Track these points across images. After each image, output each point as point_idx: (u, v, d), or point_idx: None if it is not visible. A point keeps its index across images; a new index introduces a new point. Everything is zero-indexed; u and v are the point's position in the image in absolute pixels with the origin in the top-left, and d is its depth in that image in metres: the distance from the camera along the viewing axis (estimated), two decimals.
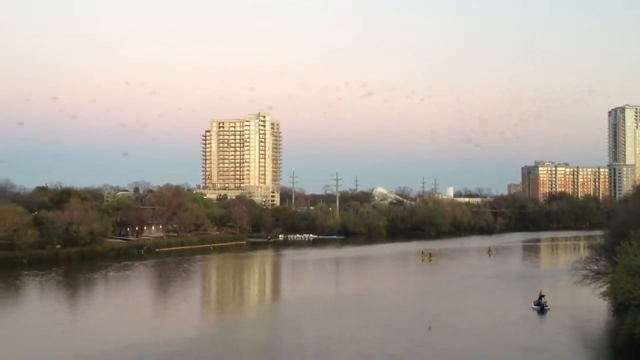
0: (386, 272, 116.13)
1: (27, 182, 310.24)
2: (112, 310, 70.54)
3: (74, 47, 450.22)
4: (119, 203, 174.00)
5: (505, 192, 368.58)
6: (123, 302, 77.05)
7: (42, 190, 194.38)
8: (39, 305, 75.50)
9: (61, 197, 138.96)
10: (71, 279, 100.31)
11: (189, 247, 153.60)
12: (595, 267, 63.60)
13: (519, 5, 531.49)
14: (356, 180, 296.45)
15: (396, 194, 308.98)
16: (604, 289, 57.37)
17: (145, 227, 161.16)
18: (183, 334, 55.47)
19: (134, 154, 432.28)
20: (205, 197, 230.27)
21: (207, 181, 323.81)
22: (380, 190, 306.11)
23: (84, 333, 57.08)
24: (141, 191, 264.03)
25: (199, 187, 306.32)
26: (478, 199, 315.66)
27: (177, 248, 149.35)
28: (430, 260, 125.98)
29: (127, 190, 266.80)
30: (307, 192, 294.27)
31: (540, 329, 59.71)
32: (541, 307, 66.15)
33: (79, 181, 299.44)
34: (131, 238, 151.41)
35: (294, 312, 67.68)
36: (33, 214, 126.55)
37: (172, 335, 55.01)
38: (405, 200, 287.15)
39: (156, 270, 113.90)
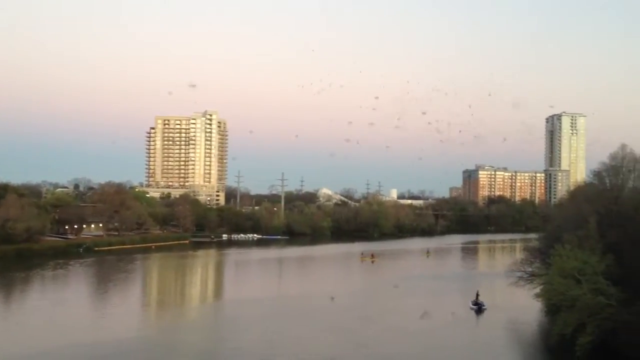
0: (329, 273, 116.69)
1: None
2: (48, 310, 68.58)
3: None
4: (57, 200, 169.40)
5: (447, 195, 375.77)
6: (59, 302, 74.79)
7: None
8: None
9: None
10: (6, 278, 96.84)
11: (130, 246, 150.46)
12: (530, 269, 65.39)
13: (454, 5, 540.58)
14: (302, 181, 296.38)
15: (341, 195, 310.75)
16: (538, 290, 59.32)
17: (85, 226, 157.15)
18: (121, 335, 54.54)
19: (74, 150, 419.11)
20: (148, 196, 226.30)
21: (151, 179, 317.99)
22: (325, 191, 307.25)
23: (18, 334, 55.33)
24: (81, 188, 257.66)
25: (141, 185, 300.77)
26: (420, 201, 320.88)
27: (117, 247, 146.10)
28: (372, 262, 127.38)
29: (66, 187, 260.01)
30: (253, 192, 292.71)
31: (477, 329, 61.32)
32: (478, 307, 67.93)
33: (16, 177, 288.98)
34: (70, 236, 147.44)
35: (236, 313, 67.23)
36: None
37: (110, 336, 53.97)
38: (349, 202, 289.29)
39: (95, 270, 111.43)
